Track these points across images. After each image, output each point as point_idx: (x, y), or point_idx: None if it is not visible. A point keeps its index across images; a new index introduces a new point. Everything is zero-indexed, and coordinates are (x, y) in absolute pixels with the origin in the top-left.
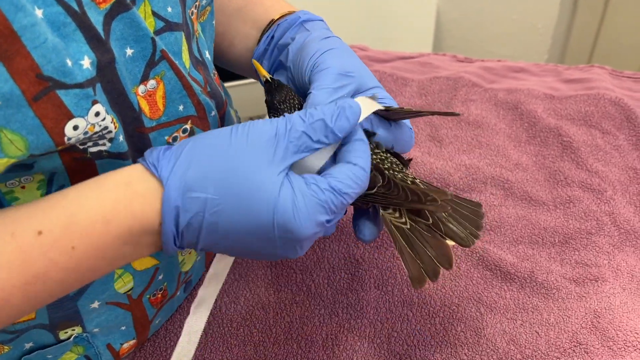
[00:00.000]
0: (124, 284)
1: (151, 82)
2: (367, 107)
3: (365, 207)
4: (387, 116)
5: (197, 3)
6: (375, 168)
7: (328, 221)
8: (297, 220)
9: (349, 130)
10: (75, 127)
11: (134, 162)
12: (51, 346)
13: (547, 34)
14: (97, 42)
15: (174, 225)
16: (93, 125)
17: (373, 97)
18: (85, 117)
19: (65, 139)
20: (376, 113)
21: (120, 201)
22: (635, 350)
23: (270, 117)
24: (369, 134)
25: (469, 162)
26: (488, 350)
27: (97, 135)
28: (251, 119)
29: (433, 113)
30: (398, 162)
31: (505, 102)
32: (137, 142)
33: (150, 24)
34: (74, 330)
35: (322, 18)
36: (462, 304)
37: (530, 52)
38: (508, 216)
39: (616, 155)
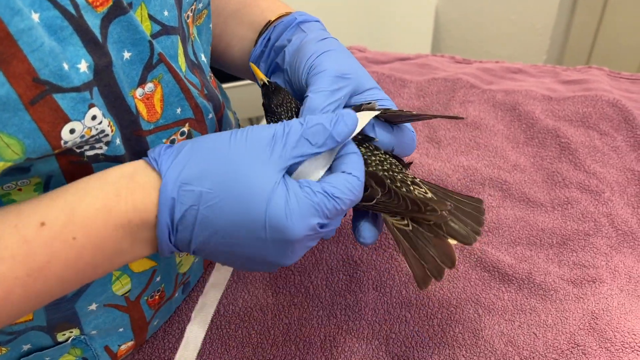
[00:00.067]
0: (121, 286)
1: (149, 85)
2: (364, 117)
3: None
4: (389, 119)
5: (193, 7)
6: (375, 177)
7: (321, 226)
8: (288, 219)
9: (348, 135)
10: (72, 131)
11: None
12: (49, 348)
13: (546, 34)
14: (94, 46)
15: (169, 218)
16: (90, 128)
17: (371, 104)
18: (82, 121)
19: (62, 142)
20: (377, 117)
21: (121, 192)
22: (632, 351)
23: (267, 120)
24: (368, 138)
25: (467, 163)
26: (486, 352)
27: (93, 138)
28: (250, 120)
29: (435, 117)
30: (397, 163)
31: (504, 103)
32: (134, 145)
33: (146, 27)
34: (71, 332)
35: (318, 19)
36: (460, 305)
37: (529, 53)
38: (506, 217)
39: (614, 157)
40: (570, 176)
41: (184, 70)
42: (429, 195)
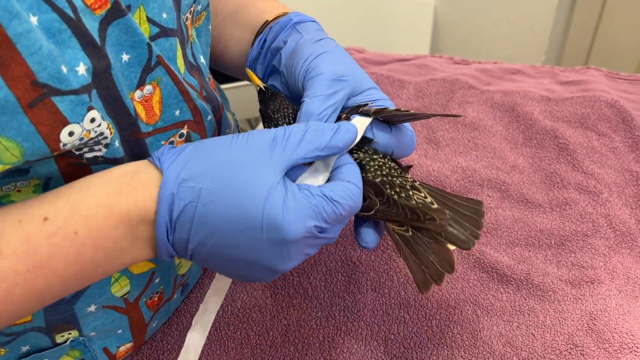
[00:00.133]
0: (120, 288)
1: (147, 88)
2: (361, 124)
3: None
4: (387, 119)
5: (191, 9)
6: (374, 187)
7: (319, 231)
8: (285, 218)
9: (348, 142)
10: (71, 134)
11: None
12: (48, 349)
13: (545, 35)
14: (93, 49)
15: (168, 214)
16: (89, 131)
17: (368, 106)
18: (81, 123)
19: (61, 145)
20: (376, 117)
21: (122, 189)
22: (631, 352)
23: (264, 126)
24: (367, 140)
25: (465, 164)
26: (484, 353)
27: (92, 141)
28: (249, 120)
29: (433, 115)
30: (396, 167)
31: (502, 104)
32: (133, 147)
33: (145, 29)
34: (70, 333)
35: (314, 19)
36: (459, 306)
37: (527, 53)
38: (504, 218)
39: (612, 157)
40: (569, 177)
41: (182, 72)
42: (429, 199)
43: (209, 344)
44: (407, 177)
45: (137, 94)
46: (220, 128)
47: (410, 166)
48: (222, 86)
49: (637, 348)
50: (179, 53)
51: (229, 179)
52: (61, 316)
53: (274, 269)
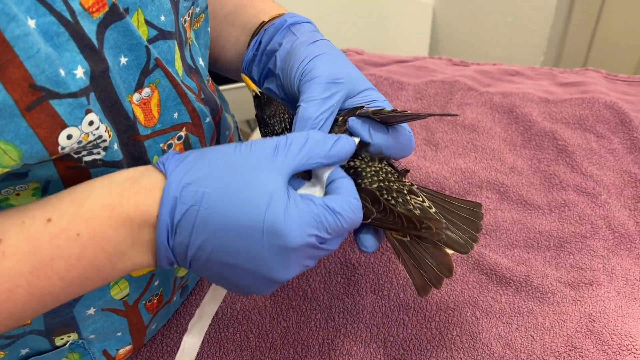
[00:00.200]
0: (119, 290)
1: (146, 90)
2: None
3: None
4: (384, 120)
5: (190, 11)
6: (371, 195)
7: (320, 241)
8: (286, 224)
9: (349, 151)
10: (69, 137)
11: None
12: (47, 352)
13: (543, 36)
14: (91, 52)
15: (170, 217)
16: (87, 134)
17: (364, 107)
18: (79, 127)
19: (59, 148)
20: (372, 118)
21: (126, 191)
22: (630, 354)
23: (261, 131)
24: (364, 144)
25: (464, 166)
26: (484, 355)
27: (91, 144)
28: (248, 122)
29: (430, 115)
30: (393, 172)
31: (501, 105)
32: (132, 150)
33: (143, 32)
34: (69, 336)
35: (310, 20)
36: (458, 308)
37: (526, 55)
38: (503, 220)
39: (611, 159)
40: (567, 179)
41: (181, 74)
42: (427, 203)
43: (209, 346)
44: (405, 181)
45: (136, 96)
46: (219, 130)
47: (408, 170)
48: (222, 87)
49: (636, 350)
50: (177, 56)
51: (232, 183)
52: (60, 319)
53: (272, 278)
